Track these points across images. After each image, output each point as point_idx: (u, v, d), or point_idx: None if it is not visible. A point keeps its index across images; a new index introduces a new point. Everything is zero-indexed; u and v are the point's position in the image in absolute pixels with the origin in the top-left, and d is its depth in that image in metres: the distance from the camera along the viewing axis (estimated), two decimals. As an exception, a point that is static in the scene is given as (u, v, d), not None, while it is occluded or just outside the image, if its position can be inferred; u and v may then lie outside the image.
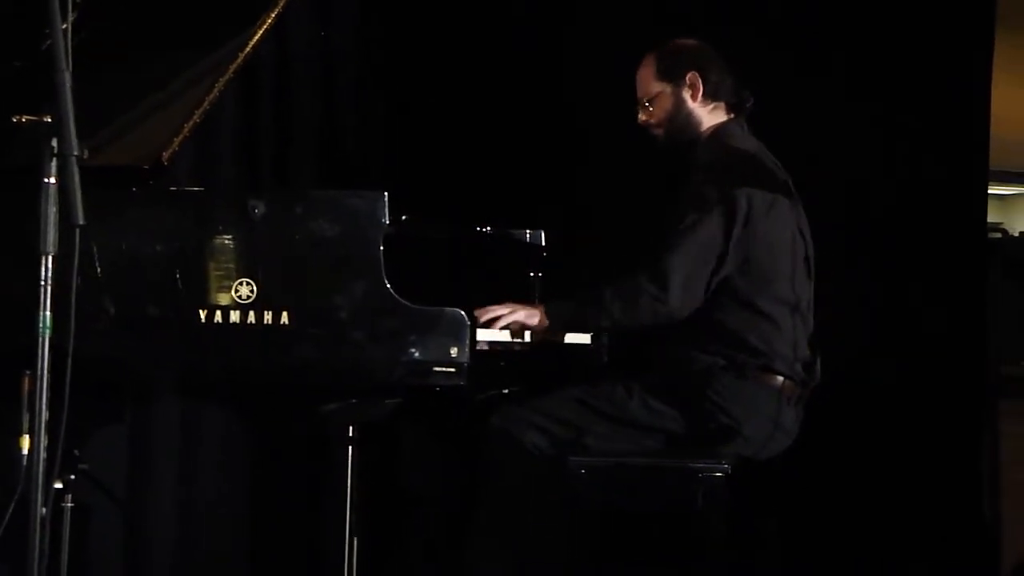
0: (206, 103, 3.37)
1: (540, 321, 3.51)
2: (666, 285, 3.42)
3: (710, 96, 3.62)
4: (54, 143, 2.39)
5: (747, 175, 3.50)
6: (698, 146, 3.62)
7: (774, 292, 3.51)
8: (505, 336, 3.52)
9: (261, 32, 3.49)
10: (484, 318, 3.45)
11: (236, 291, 3.16)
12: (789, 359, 3.52)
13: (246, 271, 3.16)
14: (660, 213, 3.59)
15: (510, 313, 3.49)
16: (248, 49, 3.46)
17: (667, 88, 3.63)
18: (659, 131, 3.66)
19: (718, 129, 3.63)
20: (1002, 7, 4.45)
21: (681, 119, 3.62)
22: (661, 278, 3.42)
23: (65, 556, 3.26)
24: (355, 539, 3.34)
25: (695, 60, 3.63)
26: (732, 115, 3.65)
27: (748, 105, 3.66)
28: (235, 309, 3.15)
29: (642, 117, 3.67)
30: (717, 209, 3.44)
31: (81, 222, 2.35)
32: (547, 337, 3.60)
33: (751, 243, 3.46)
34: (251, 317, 3.15)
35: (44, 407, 2.39)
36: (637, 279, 3.46)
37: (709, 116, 3.63)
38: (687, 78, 3.61)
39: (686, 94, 3.62)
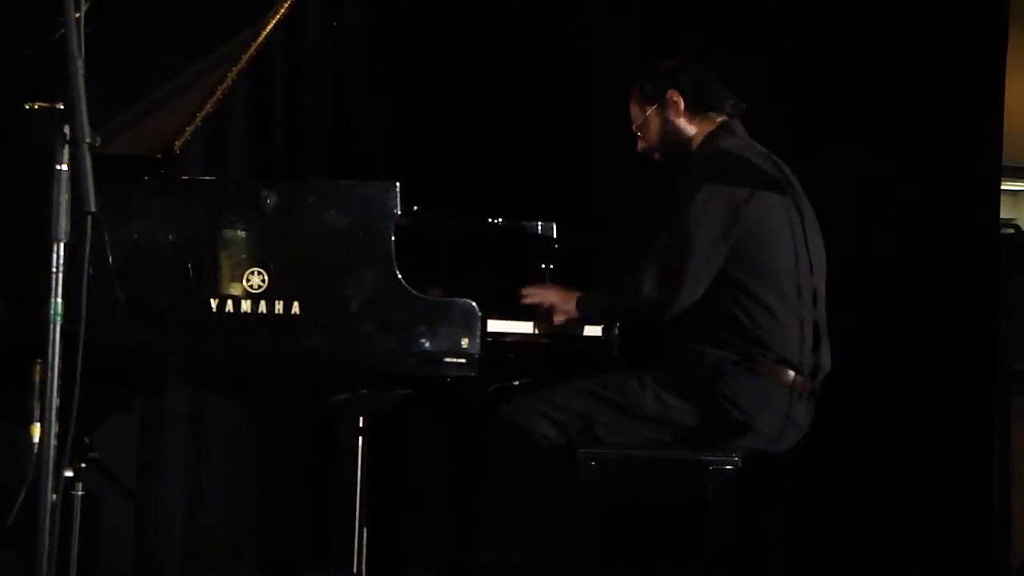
0: (218, 93, 3.38)
1: (571, 308, 3.55)
2: (677, 283, 3.44)
3: (693, 108, 3.67)
4: (66, 130, 2.39)
5: (724, 170, 3.54)
6: (690, 156, 3.66)
7: (775, 284, 3.50)
8: (519, 327, 3.52)
9: (273, 22, 3.49)
10: (526, 300, 3.53)
11: (247, 280, 3.16)
12: (796, 353, 3.51)
13: (257, 261, 3.16)
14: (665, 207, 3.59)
15: (546, 293, 3.53)
16: (260, 39, 3.47)
17: (652, 110, 3.69)
18: (656, 155, 3.74)
19: (706, 136, 3.67)
20: (1015, 1, 4.44)
21: (670, 136, 3.69)
22: (670, 277, 3.45)
23: (75, 544, 3.26)
24: (364, 528, 3.34)
25: (672, 78, 3.69)
26: (722, 119, 3.67)
27: (734, 107, 3.68)
28: (246, 298, 3.15)
29: (640, 145, 3.74)
30: (703, 205, 3.46)
31: (93, 209, 2.35)
32: (568, 329, 3.62)
33: (740, 233, 3.47)
34: (262, 306, 3.15)
35: (55, 395, 2.39)
36: (644, 278, 3.48)
37: (698, 127, 3.68)
38: (667, 96, 3.65)
39: (669, 112, 3.67)
